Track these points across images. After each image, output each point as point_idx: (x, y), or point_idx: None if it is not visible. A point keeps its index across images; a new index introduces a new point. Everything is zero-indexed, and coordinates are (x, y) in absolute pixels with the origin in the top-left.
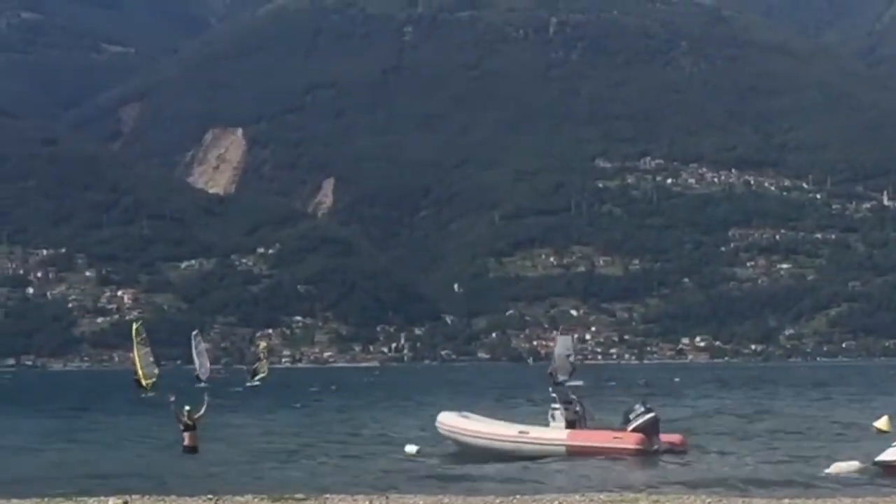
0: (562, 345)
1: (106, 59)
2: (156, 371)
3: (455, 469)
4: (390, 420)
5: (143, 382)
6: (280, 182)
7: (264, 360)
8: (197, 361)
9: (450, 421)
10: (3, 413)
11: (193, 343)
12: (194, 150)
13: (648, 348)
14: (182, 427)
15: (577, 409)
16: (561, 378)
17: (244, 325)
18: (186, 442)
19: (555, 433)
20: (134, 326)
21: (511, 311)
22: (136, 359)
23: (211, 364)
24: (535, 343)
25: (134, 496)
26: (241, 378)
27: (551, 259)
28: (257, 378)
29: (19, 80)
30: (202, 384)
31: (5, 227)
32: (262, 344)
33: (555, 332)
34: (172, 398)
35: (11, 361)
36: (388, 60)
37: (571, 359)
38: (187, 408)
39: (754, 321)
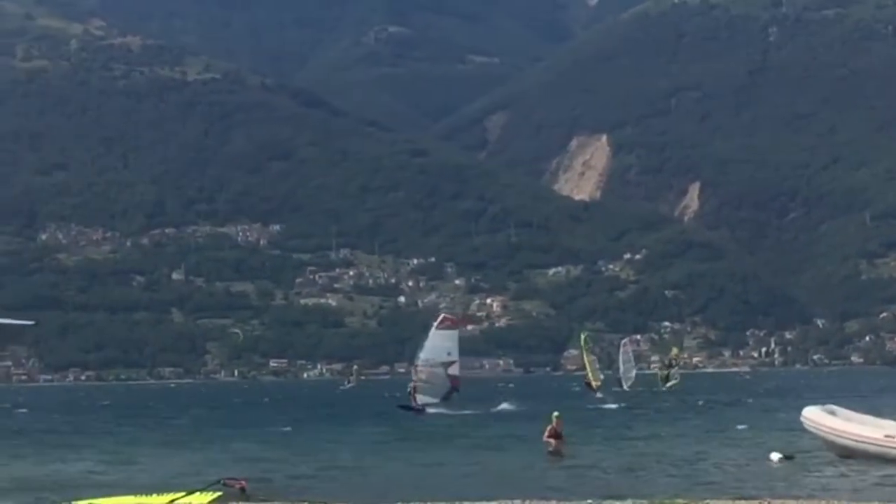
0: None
1: (472, 69)
2: (601, 376)
3: (822, 473)
4: (763, 421)
5: (594, 385)
6: (646, 187)
7: (676, 367)
8: (622, 368)
9: (815, 416)
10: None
11: (621, 350)
12: (560, 157)
13: None
14: (549, 433)
15: None
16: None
17: (612, 331)
18: (552, 448)
19: None
20: (582, 336)
21: (885, 314)
22: (587, 365)
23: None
24: None
25: (515, 501)
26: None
27: None
28: (668, 384)
29: (389, 93)
30: (623, 389)
31: (377, 237)
32: (675, 350)
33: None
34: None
35: (385, 369)
36: (753, 61)
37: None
38: (556, 414)
39: None
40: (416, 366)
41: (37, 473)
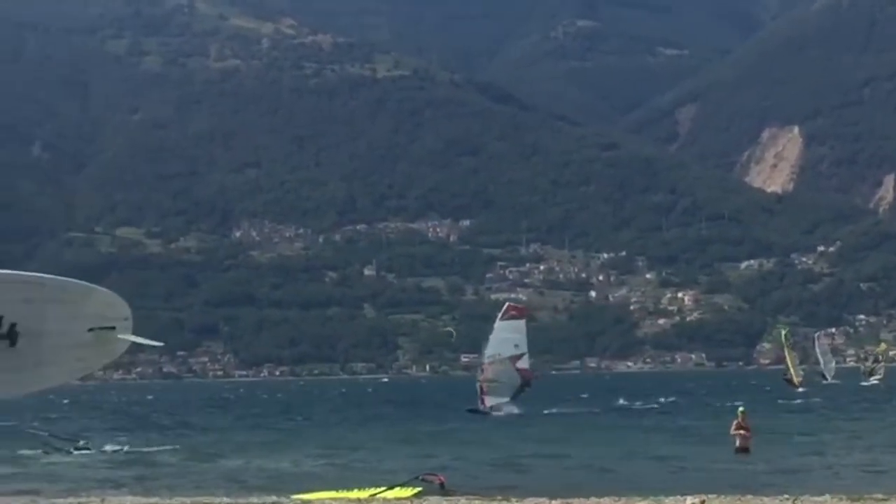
0: None
1: (661, 62)
2: (801, 371)
3: None
4: None
5: (795, 380)
6: (839, 178)
7: (882, 362)
8: (822, 360)
9: None
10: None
11: (817, 343)
12: (751, 149)
13: None
14: (735, 428)
15: None
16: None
17: (806, 325)
18: (738, 443)
19: None
20: (783, 332)
21: None
22: (788, 360)
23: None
24: None
25: (710, 495)
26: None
27: None
28: (873, 378)
29: (578, 86)
30: (826, 382)
31: (567, 231)
32: (883, 346)
33: None
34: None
35: (576, 363)
36: None
37: None
38: (741, 408)
39: None
40: (482, 364)
41: (251, 467)
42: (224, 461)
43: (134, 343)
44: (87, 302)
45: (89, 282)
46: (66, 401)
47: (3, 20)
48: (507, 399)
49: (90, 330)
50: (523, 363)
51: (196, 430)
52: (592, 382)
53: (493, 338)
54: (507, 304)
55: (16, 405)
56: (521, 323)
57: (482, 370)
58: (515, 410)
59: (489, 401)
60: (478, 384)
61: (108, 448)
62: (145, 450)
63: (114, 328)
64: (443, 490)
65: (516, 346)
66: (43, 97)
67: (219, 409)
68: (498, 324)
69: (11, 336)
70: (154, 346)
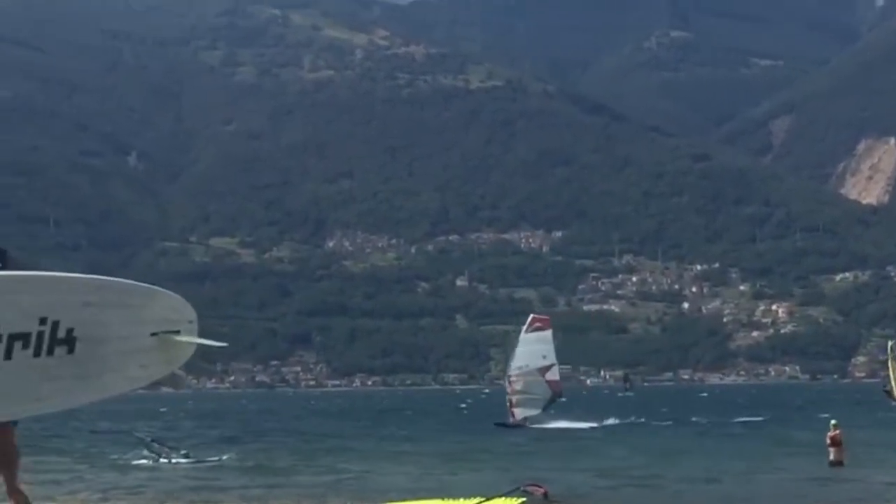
0: None
1: (755, 73)
2: None
3: None
4: None
5: (894, 394)
6: None
7: None
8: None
9: None
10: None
11: (890, 355)
12: (846, 160)
13: None
14: (829, 442)
15: None
16: None
17: None
18: (832, 457)
19: None
20: (889, 344)
21: None
22: (891, 373)
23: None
24: None
25: None
26: None
27: None
28: None
29: (671, 98)
30: None
31: (660, 243)
32: None
33: None
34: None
35: (669, 375)
36: None
37: None
38: (833, 422)
39: None
40: (510, 377)
41: (348, 476)
42: (322, 469)
43: (215, 348)
44: (149, 305)
45: (183, 291)
46: (163, 409)
47: (99, 32)
48: (537, 412)
49: (153, 334)
50: (553, 374)
51: (296, 437)
52: (687, 395)
53: (520, 350)
54: (531, 315)
55: (120, 411)
56: (548, 334)
57: (510, 383)
58: (546, 425)
59: (519, 413)
60: (507, 398)
61: (207, 456)
62: (243, 458)
63: (178, 331)
64: (546, 501)
65: (544, 356)
66: (138, 107)
67: (316, 418)
68: (523, 336)
69: (69, 342)
70: (220, 347)
